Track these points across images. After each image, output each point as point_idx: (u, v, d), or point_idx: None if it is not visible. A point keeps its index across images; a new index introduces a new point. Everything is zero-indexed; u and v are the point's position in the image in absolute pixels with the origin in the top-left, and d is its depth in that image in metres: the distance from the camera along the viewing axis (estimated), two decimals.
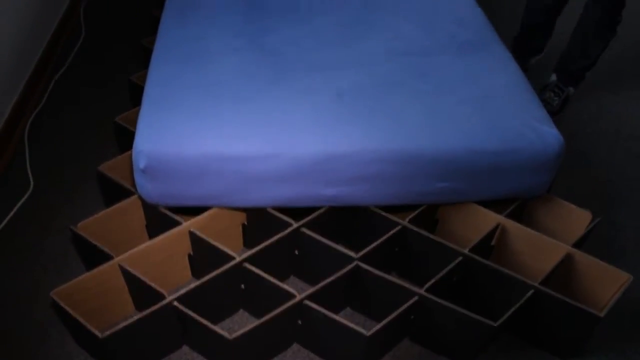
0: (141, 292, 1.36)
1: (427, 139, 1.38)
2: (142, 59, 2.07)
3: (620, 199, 1.97)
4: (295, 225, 1.41)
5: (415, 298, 1.31)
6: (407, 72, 1.55)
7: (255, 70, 1.51)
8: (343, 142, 1.34)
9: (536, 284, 1.36)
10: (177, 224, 1.43)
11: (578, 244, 1.51)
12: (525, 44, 2.33)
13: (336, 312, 1.39)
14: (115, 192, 1.53)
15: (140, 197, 1.45)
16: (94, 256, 1.40)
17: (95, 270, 1.34)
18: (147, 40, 2.08)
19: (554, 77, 2.28)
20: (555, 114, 2.21)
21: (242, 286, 1.41)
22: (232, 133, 1.33)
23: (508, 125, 1.45)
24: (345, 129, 1.36)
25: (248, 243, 1.57)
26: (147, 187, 1.38)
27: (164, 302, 1.27)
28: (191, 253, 1.48)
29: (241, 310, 1.48)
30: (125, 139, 1.69)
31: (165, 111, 1.39)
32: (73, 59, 2.37)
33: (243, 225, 1.54)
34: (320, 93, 1.45)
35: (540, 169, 1.46)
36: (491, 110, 1.48)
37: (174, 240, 1.43)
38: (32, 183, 1.81)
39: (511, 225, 1.50)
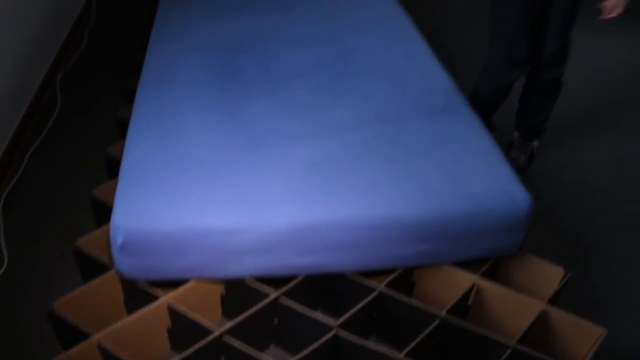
0: None
1: (401, 204, 1.42)
2: (118, 131, 2.10)
3: (591, 250, 2.02)
4: (273, 295, 1.42)
5: None
6: (379, 138, 1.60)
7: (231, 143, 1.54)
8: (318, 212, 1.37)
9: (513, 343, 1.38)
10: (155, 298, 1.43)
11: (553, 300, 1.54)
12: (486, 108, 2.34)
13: None
14: (93, 267, 1.53)
15: (118, 272, 1.45)
16: (71, 334, 1.39)
17: (74, 350, 1.33)
18: (123, 111, 2.11)
19: (516, 135, 2.36)
20: (524, 170, 2.28)
21: (223, 358, 1.40)
22: (209, 208, 1.36)
23: (479, 187, 1.50)
24: (319, 199, 1.40)
25: (227, 312, 1.57)
26: (125, 263, 1.38)
27: None
28: (170, 327, 1.47)
29: None
30: (101, 212, 1.69)
31: (142, 187, 1.42)
32: (49, 130, 2.40)
33: (222, 295, 1.55)
34: (294, 163, 1.49)
35: (511, 229, 1.50)
36: (462, 174, 1.53)
37: (153, 315, 1.43)
38: (6, 258, 1.80)
39: (486, 284, 1.52)
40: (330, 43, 2.07)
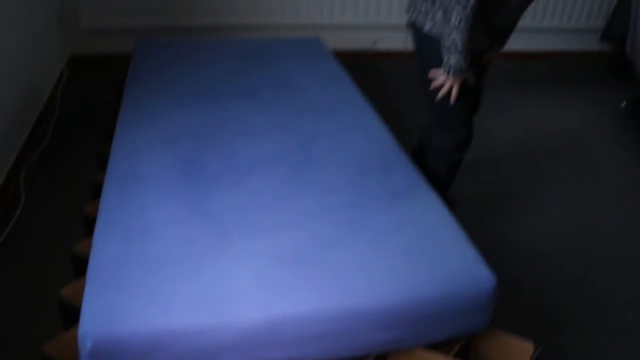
0: None
1: (368, 293, 1.44)
2: (85, 227, 2.08)
3: (559, 321, 2.06)
4: None
5: None
6: (343, 226, 1.64)
7: (198, 239, 1.56)
8: (287, 306, 1.38)
9: None
10: None
11: None
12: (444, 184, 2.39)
13: None
14: None
15: None
16: None
17: None
18: (89, 207, 2.11)
19: None
20: None
21: None
22: (178, 308, 1.35)
23: (444, 270, 1.53)
24: (288, 292, 1.41)
25: None
26: None
27: None
28: None
29: None
30: (69, 314, 1.66)
31: (111, 289, 1.41)
32: (12, 226, 2.37)
33: None
34: (262, 256, 1.51)
35: (479, 309, 1.53)
36: (426, 257, 1.57)
37: None
38: None
39: None
40: (292, 131, 2.13)
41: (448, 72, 1.97)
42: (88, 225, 2.01)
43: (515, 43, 4.59)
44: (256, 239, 1.57)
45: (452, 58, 1.92)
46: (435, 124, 2.26)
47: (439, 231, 1.68)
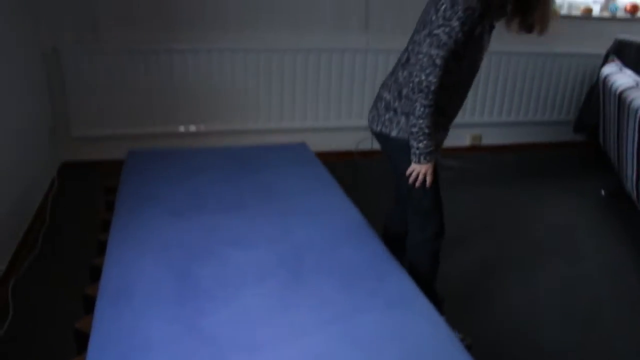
0: None
1: None
2: (76, 344, 2.05)
3: None
4: None
5: None
6: (338, 340, 1.65)
7: (194, 359, 1.55)
8: None
9: None
10: None
11: None
12: (429, 279, 2.41)
13: None
14: None
15: None
16: None
17: None
18: (80, 323, 2.09)
19: None
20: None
21: None
22: None
23: None
24: None
25: None
26: None
27: None
28: None
29: None
30: None
31: None
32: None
33: None
34: None
35: None
36: None
37: None
38: None
39: None
40: (281, 241, 2.17)
41: (419, 159, 2.09)
42: (80, 341, 1.98)
43: (490, 137, 4.85)
44: (251, 357, 1.57)
45: (421, 143, 2.05)
46: (415, 216, 2.32)
47: (435, 342, 1.69)
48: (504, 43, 4.55)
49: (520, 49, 4.62)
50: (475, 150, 4.88)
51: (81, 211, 3.44)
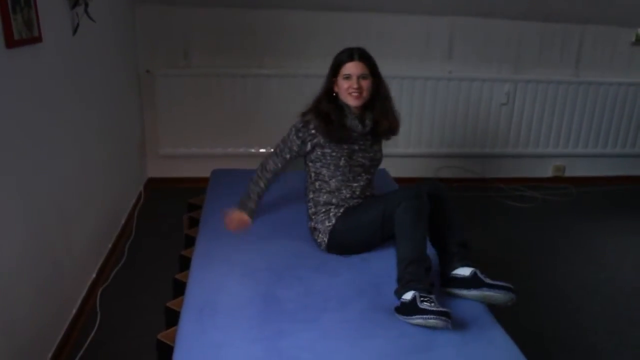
0: None
1: None
2: (158, 353, 2.13)
3: None
4: None
5: None
6: None
7: None
8: None
9: None
10: None
11: None
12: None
13: None
14: None
15: None
16: None
17: None
18: (163, 334, 2.17)
19: (464, 271, 2.06)
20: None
21: None
22: None
23: None
24: None
25: None
26: None
27: None
28: None
29: None
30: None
31: None
32: (87, 346, 2.44)
33: None
34: None
35: None
36: None
37: None
38: None
39: None
40: (362, 270, 2.19)
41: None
42: (161, 352, 2.06)
43: (574, 169, 4.68)
44: None
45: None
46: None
47: None
48: (590, 72, 4.46)
49: (606, 78, 4.47)
50: (558, 181, 4.73)
51: (165, 226, 3.58)
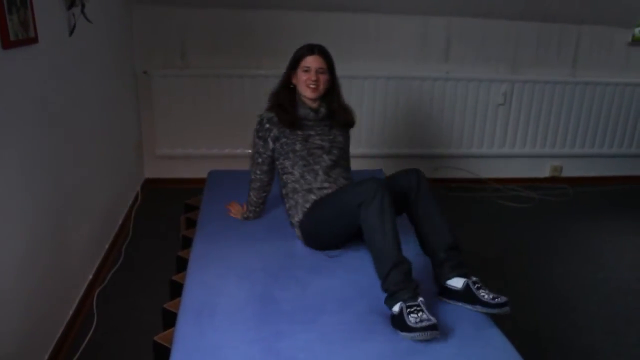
0: None
1: None
2: (154, 356, 2.12)
3: None
4: None
5: None
6: None
7: None
8: None
9: None
10: None
11: None
12: None
13: None
14: None
15: None
16: None
17: None
18: (160, 336, 2.16)
19: (456, 282, 2.01)
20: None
21: None
22: None
23: None
24: None
25: None
26: None
27: None
28: None
29: None
30: None
31: None
32: (83, 350, 2.43)
33: None
34: None
35: None
36: None
37: None
38: None
39: None
40: (359, 271, 2.18)
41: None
42: (158, 353, 2.05)
43: (571, 169, 4.69)
44: None
45: None
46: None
47: None
48: (587, 72, 4.46)
49: (602, 78, 4.47)
50: (555, 181, 4.73)
51: (162, 227, 3.57)
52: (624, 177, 4.85)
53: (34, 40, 2.13)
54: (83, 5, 2.60)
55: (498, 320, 1.94)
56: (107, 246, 3.17)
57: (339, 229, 2.26)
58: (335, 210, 2.23)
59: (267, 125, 2.44)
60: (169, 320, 2.13)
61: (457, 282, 2.00)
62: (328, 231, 2.30)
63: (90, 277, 2.85)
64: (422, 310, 1.79)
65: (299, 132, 2.43)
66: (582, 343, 2.62)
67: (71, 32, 2.54)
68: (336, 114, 2.50)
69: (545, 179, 4.75)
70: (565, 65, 4.47)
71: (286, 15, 4.01)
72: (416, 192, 2.18)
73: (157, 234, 3.49)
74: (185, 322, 1.86)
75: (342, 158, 2.53)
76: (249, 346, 1.72)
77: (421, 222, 2.17)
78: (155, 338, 2.11)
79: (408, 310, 1.79)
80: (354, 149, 4.22)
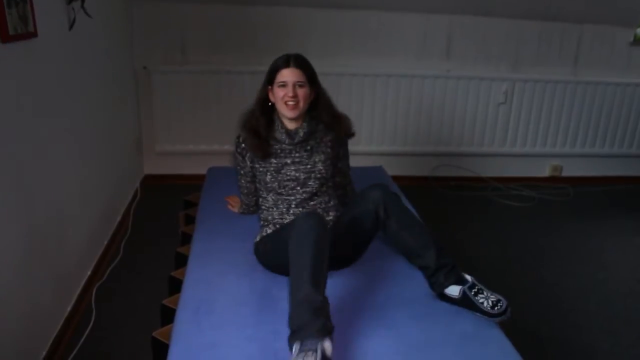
0: None
1: None
2: (153, 353, 2.11)
3: None
4: None
5: None
6: None
7: None
8: None
9: None
10: None
11: None
12: None
13: None
14: None
15: None
16: None
17: None
18: (159, 332, 2.16)
19: (453, 291, 1.94)
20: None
21: None
22: None
23: None
24: None
25: None
26: None
27: None
28: None
29: None
30: None
31: None
32: (82, 345, 2.43)
33: None
34: None
35: None
36: None
37: None
38: None
39: None
40: (358, 270, 2.17)
41: None
42: (157, 349, 2.04)
43: (571, 169, 4.68)
44: None
45: None
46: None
47: None
48: (589, 71, 4.46)
49: (604, 78, 4.47)
50: (555, 181, 4.73)
51: (161, 223, 3.56)
52: (624, 177, 4.84)
53: (34, 34, 2.12)
54: (83, 0, 2.59)
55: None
56: (106, 242, 3.16)
57: (282, 260, 1.92)
58: (275, 245, 2.09)
59: (243, 146, 2.25)
60: (168, 316, 2.12)
61: (453, 291, 1.93)
62: (275, 262, 2.10)
63: (89, 272, 2.84)
64: (314, 352, 1.51)
65: (273, 161, 2.21)
66: (581, 342, 2.62)
67: (71, 27, 2.53)
68: (329, 126, 2.25)
69: (545, 179, 4.74)
70: (567, 65, 4.46)
71: (286, 12, 4.00)
72: (384, 208, 2.03)
73: (156, 230, 3.48)
74: (184, 319, 1.86)
75: (324, 185, 2.27)
76: (248, 344, 1.71)
77: (400, 237, 2.05)
78: (154, 334, 2.11)
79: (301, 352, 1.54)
80: (354, 147, 4.21)
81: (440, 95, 4.31)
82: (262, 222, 2.31)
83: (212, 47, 4.03)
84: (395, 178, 3.25)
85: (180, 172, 4.21)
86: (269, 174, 2.21)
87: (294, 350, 1.57)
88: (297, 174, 2.21)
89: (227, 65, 4.03)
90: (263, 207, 2.30)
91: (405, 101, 4.27)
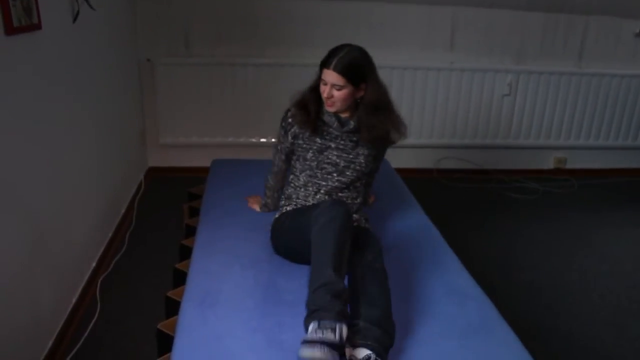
0: None
1: None
2: (158, 344, 2.12)
3: None
4: None
5: None
6: None
7: None
8: None
9: None
10: None
11: None
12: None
13: None
14: None
15: None
16: None
17: None
18: (164, 324, 2.16)
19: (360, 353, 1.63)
20: None
21: None
22: None
23: None
24: None
25: None
26: None
27: None
28: None
29: None
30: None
31: None
32: (87, 337, 2.44)
33: None
34: None
35: None
36: None
37: None
38: None
39: None
40: None
41: None
42: (162, 342, 2.05)
43: (576, 161, 4.67)
44: None
45: None
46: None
47: None
48: (594, 63, 4.43)
49: (609, 70, 4.44)
50: (559, 173, 4.72)
51: (165, 215, 3.57)
52: (629, 169, 4.83)
53: (38, 26, 2.12)
54: None
55: (500, 312, 1.94)
56: (110, 234, 3.17)
57: (297, 243, 2.02)
58: (293, 224, 2.13)
59: (290, 120, 2.26)
60: (172, 308, 2.13)
61: (361, 353, 1.63)
62: (292, 244, 2.12)
63: (94, 264, 2.85)
64: (333, 330, 1.54)
65: (318, 140, 2.22)
66: (586, 335, 2.62)
67: (75, 19, 2.52)
68: (362, 132, 2.19)
69: (549, 171, 4.73)
70: (572, 57, 4.44)
71: (290, 4, 3.98)
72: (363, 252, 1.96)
73: (160, 222, 3.49)
74: (189, 311, 1.86)
75: (359, 180, 2.28)
76: (253, 336, 1.71)
77: (359, 280, 1.88)
78: (159, 326, 2.12)
79: (320, 328, 1.55)
80: None
81: (444, 87, 4.29)
82: (283, 201, 2.35)
83: (215, 39, 4.02)
84: (399, 171, 3.24)
85: (184, 165, 4.21)
86: (311, 151, 2.24)
87: (310, 328, 1.60)
88: (338, 160, 2.24)
89: (231, 57, 4.02)
90: (291, 185, 2.34)
91: (409, 93, 4.25)
